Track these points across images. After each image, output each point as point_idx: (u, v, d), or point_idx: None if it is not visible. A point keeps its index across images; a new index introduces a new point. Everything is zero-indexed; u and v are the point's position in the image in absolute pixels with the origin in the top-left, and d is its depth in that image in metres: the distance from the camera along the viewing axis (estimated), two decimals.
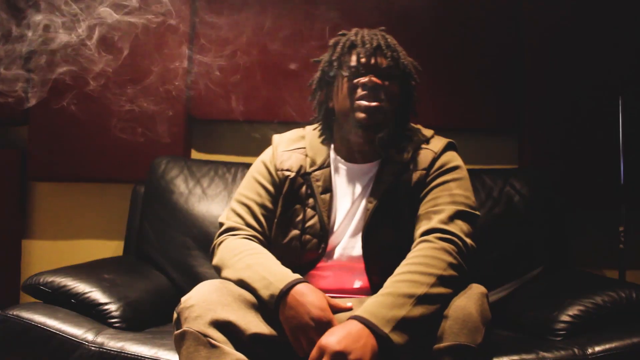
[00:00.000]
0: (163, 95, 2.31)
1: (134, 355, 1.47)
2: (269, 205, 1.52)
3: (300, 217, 1.49)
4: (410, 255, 1.33)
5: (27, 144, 2.36)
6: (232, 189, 2.11)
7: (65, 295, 1.66)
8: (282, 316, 1.27)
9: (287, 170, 1.53)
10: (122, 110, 2.29)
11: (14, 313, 1.56)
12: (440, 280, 1.25)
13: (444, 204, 1.40)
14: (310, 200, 1.50)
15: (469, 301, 1.22)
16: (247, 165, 2.18)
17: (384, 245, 1.44)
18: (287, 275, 1.32)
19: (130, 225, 2.20)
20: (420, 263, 1.28)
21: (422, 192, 1.45)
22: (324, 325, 1.23)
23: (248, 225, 1.50)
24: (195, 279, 1.96)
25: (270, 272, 1.33)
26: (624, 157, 2.14)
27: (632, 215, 2.17)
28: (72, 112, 2.30)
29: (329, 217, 1.48)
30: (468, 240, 1.34)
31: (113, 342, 1.50)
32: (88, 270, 1.80)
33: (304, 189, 1.51)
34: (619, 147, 2.14)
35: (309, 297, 1.26)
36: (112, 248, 2.39)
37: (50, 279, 1.69)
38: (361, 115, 1.43)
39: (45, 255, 2.41)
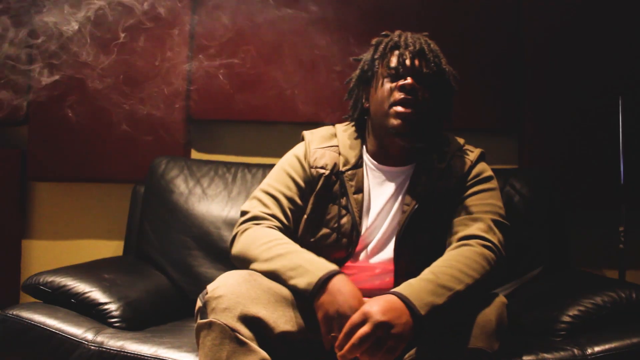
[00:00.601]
0: (163, 95, 2.31)
1: (134, 354, 1.47)
2: (298, 200, 1.50)
3: (331, 216, 1.48)
4: (452, 252, 1.34)
5: (27, 144, 2.36)
6: (232, 189, 2.11)
7: (65, 295, 1.66)
8: (317, 303, 1.24)
9: (322, 167, 1.51)
10: (122, 110, 2.29)
11: (14, 313, 1.56)
12: (477, 283, 1.26)
13: (481, 213, 1.41)
14: (343, 200, 1.48)
15: (490, 308, 1.24)
16: (247, 165, 2.19)
17: (417, 249, 1.44)
18: (325, 264, 1.30)
19: (130, 225, 2.20)
20: (462, 262, 1.29)
21: (458, 198, 1.45)
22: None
23: (274, 216, 1.46)
24: (195, 279, 1.96)
25: (306, 260, 1.31)
26: (624, 157, 2.13)
27: (632, 215, 2.17)
28: (72, 112, 2.30)
29: (360, 217, 1.47)
30: (504, 252, 1.36)
31: (113, 342, 1.50)
32: (88, 270, 1.80)
33: (336, 187, 1.49)
34: (619, 147, 2.14)
35: (348, 287, 1.24)
36: (112, 248, 2.39)
37: (50, 278, 1.69)
38: (396, 122, 1.42)
39: (45, 255, 2.41)
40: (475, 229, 1.37)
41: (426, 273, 1.27)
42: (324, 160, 1.51)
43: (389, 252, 1.46)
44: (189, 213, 2.07)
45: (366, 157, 1.54)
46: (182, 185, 2.12)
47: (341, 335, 1.16)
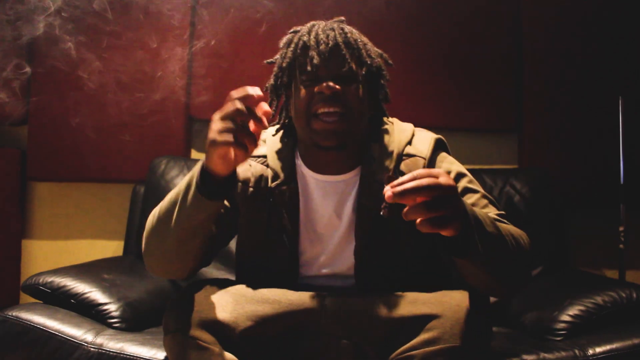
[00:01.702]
0: (163, 95, 2.31)
1: (133, 356, 1.47)
2: (223, 220, 1.34)
3: (262, 239, 1.33)
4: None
5: (26, 143, 2.36)
6: None
7: (65, 295, 1.66)
8: (207, 161, 1.11)
9: (243, 182, 1.35)
10: (122, 110, 2.29)
11: (13, 314, 1.55)
12: (518, 247, 1.15)
13: (477, 203, 1.29)
14: (275, 221, 1.32)
15: (469, 304, 1.21)
16: None
17: (378, 267, 1.31)
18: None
19: (130, 225, 2.20)
20: (511, 229, 1.18)
21: None
22: (226, 107, 1.09)
23: None
24: (195, 280, 1.96)
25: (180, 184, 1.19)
26: (624, 157, 2.13)
27: (632, 215, 2.17)
28: (72, 112, 2.30)
29: (296, 239, 1.33)
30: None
31: (112, 343, 1.50)
32: (88, 270, 1.80)
33: (265, 206, 1.32)
34: (618, 147, 2.14)
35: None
36: (112, 248, 2.39)
37: (50, 279, 1.69)
38: (319, 136, 1.27)
39: (45, 255, 2.41)
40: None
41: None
42: (247, 173, 1.35)
43: (345, 270, 1.33)
44: None
45: (302, 168, 1.36)
46: None
47: (405, 178, 0.97)
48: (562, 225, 2.09)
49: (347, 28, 1.33)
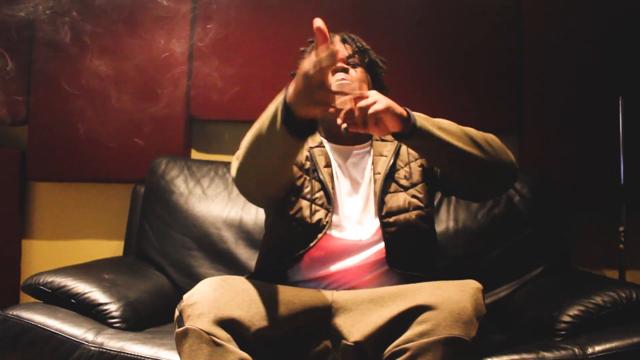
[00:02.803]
0: (163, 95, 2.31)
1: (134, 355, 1.47)
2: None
3: (308, 189, 1.50)
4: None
5: (27, 144, 2.36)
6: (233, 190, 2.11)
7: (65, 295, 1.66)
8: (288, 96, 1.21)
9: None
10: (122, 110, 2.29)
11: (14, 313, 1.56)
12: (481, 153, 1.40)
13: None
14: (315, 173, 1.52)
15: (463, 295, 1.22)
16: None
17: (399, 212, 1.49)
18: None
19: (130, 225, 2.20)
20: (470, 130, 1.42)
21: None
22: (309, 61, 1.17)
23: None
24: (196, 279, 1.95)
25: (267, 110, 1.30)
26: (624, 157, 2.13)
27: (632, 215, 2.17)
28: (72, 112, 2.30)
29: (333, 188, 1.51)
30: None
31: (113, 342, 1.50)
32: (88, 270, 1.80)
33: (308, 163, 1.54)
34: (619, 147, 2.14)
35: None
36: (112, 248, 2.39)
37: (50, 279, 1.69)
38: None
39: (45, 255, 2.41)
40: None
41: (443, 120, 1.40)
42: None
43: (371, 226, 1.50)
44: (189, 213, 2.07)
45: (324, 140, 1.61)
46: (182, 185, 2.12)
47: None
48: (562, 225, 2.09)
49: (353, 35, 1.64)
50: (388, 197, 1.51)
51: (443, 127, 1.37)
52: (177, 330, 1.24)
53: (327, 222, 1.47)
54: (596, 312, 1.61)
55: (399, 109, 1.32)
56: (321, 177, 1.51)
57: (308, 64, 1.14)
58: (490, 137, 1.45)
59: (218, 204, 2.09)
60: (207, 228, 2.04)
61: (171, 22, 2.30)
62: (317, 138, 1.60)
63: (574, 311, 1.61)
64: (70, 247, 2.42)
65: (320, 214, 1.48)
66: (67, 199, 2.42)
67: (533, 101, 2.29)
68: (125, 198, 2.30)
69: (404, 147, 1.61)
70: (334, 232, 1.48)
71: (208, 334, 1.18)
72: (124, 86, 2.28)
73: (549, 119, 2.28)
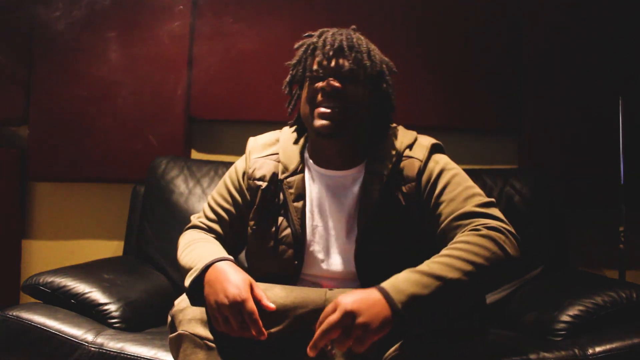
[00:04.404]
0: (163, 95, 2.31)
1: (134, 356, 1.47)
2: (234, 212, 1.47)
3: (274, 228, 1.41)
4: (456, 239, 1.24)
5: (27, 144, 2.36)
6: None
7: (65, 295, 1.66)
8: (204, 294, 1.24)
9: (260, 179, 1.44)
10: (122, 110, 2.29)
11: (14, 313, 1.56)
12: (480, 270, 1.16)
13: (460, 202, 1.31)
14: (284, 210, 1.42)
15: None
16: None
17: (379, 262, 1.35)
18: (213, 254, 1.31)
19: (130, 225, 2.20)
20: (462, 248, 1.19)
21: (427, 207, 1.35)
22: (237, 305, 1.18)
23: (211, 229, 1.47)
24: None
25: (200, 255, 1.32)
26: (624, 157, 2.13)
27: (632, 215, 2.17)
28: (72, 112, 2.31)
29: (302, 226, 1.40)
30: (513, 230, 1.26)
31: (113, 343, 1.50)
32: (88, 270, 1.80)
33: (277, 197, 1.43)
34: (619, 147, 2.14)
35: (228, 275, 1.23)
36: (112, 248, 2.39)
37: (50, 279, 1.69)
38: (319, 122, 1.35)
39: (45, 255, 2.41)
40: (471, 205, 1.28)
41: (422, 264, 1.18)
42: (262, 171, 1.45)
43: (348, 266, 1.38)
44: (189, 213, 2.06)
45: (309, 162, 1.46)
46: (182, 185, 2.12)
47: (317, 327, 1.13)
48: (562, 225, 2.09)
49: (355, 34, 1.42)
50: (371, 233, 1.36)
51: (429, 283, 1.14)
52: (171, 335, 1.24)
53: (297, 263, 1.39)
54: (596, 312, 1.61)
55: (376, 322, 1.10)
56: (289, 215, 1.40)
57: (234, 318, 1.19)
58: (484, 244, 1.21)
59: None
60: None
61: (171, 22, 2.30)
62: (294, 160, 1.45)
63: (574, 311, 1.62)
64: (70, 247, 2.42)
65: (288, 255, 1.39)
66: (67, 199, 2.42)
67: (533, 101, 2.29)
68: (125, 198, 2.30)
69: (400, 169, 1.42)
70: (307, 270, 1.41)
71: (201, 338, 1.19)
72: (124, 86, 2.28)
73: (549, 119, 2.28)
